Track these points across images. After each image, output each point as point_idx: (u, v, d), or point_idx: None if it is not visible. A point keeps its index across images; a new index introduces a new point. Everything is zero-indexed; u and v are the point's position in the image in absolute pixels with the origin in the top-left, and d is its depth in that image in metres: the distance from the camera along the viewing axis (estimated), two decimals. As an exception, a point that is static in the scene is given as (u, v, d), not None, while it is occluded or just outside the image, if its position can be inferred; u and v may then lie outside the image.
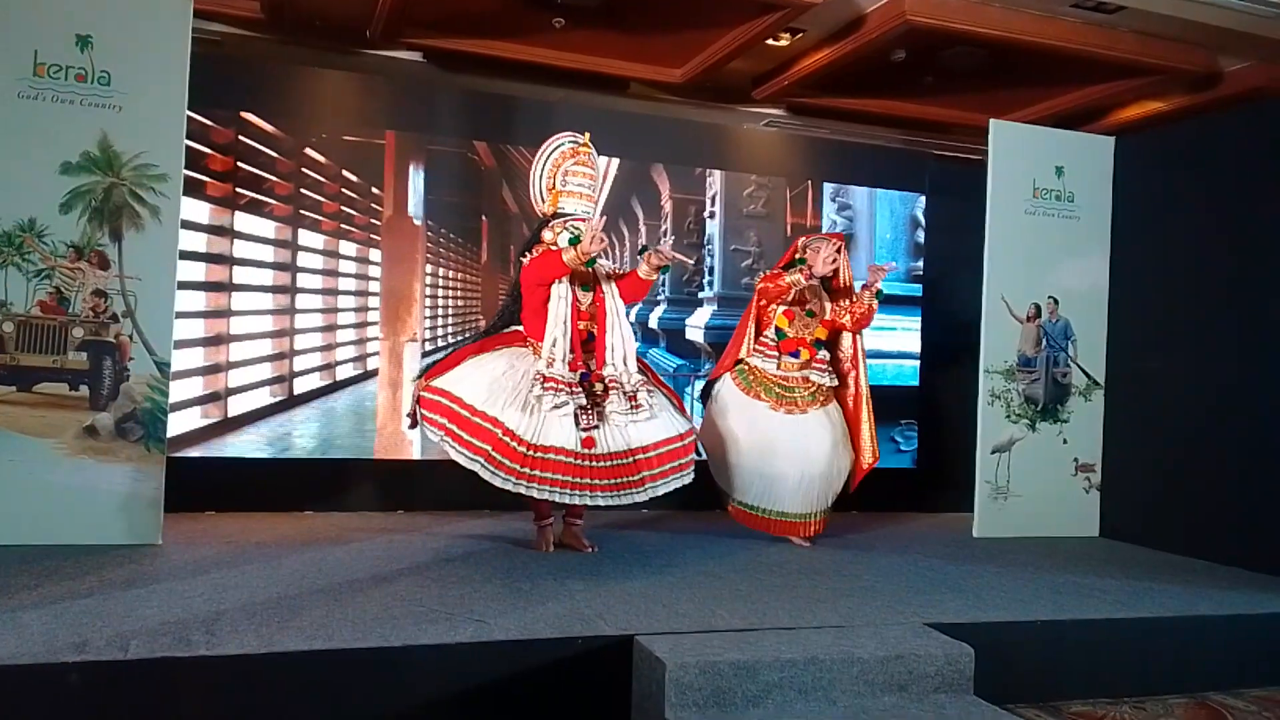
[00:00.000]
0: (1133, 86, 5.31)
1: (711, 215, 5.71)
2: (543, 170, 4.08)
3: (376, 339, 5.09)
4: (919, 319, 5.97)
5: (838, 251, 4.35)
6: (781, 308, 4.39)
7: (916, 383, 5.96)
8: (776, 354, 4.39)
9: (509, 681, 2.68)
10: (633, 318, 5.59)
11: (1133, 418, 5.01)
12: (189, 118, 3.98)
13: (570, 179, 4.01)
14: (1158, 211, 4.93)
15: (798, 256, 4.48)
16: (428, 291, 5.18)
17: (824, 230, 5.86)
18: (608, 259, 4.04)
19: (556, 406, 3.66)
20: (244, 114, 4.85)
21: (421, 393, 3.86)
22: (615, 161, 5.51)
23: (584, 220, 3.93)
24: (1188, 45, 4.90)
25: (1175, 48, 4.90)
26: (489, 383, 3.75)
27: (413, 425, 4.04)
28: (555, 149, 4.07)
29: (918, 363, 5.96)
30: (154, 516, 3.82)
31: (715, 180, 5.73)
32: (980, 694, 2.81)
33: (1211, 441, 4.54)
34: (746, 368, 4.43)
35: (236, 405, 4.84)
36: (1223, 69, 5.21)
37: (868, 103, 5.76)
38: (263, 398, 4.90)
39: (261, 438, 4.88)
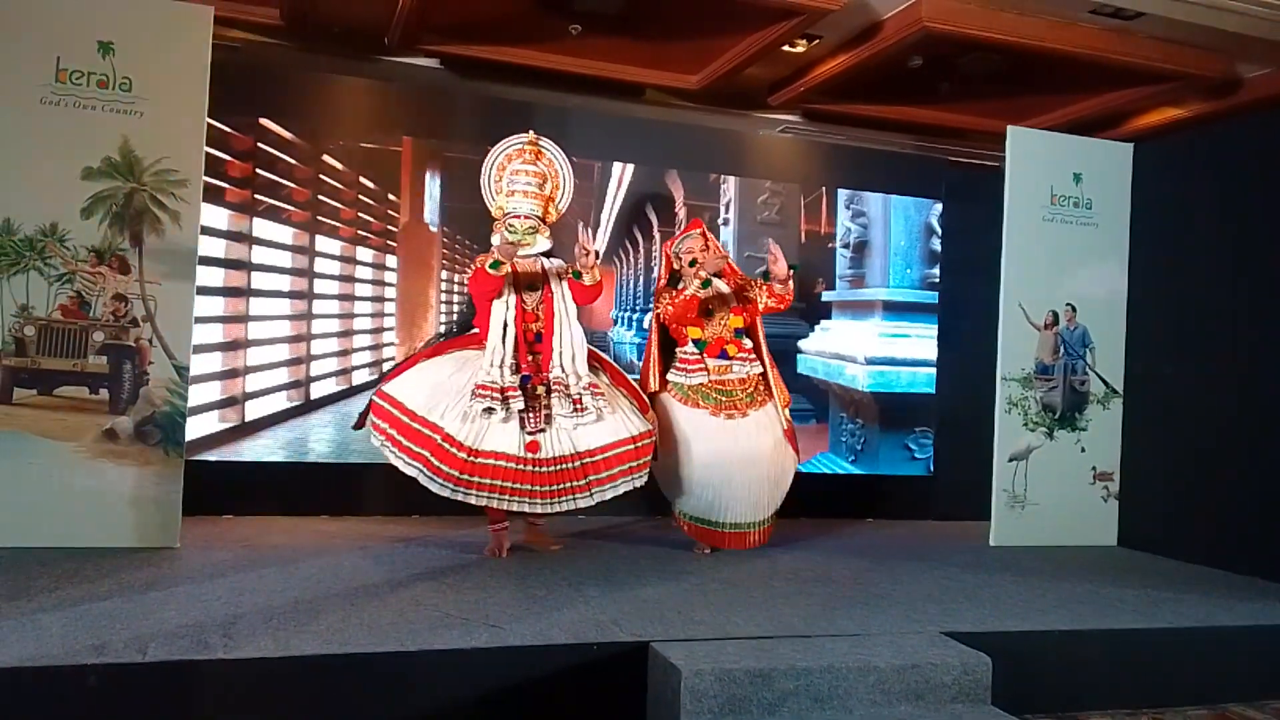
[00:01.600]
0: (1151, 93, 5.28)
1: (726, 222, 5.71)
2: (489, 175, 4.16)
3: (393, 344, 5.11)
4: (934, 326, 5.94)
5: (705, 244, 4.30)
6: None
7: (933, 390, 5.93)
8: (703, 363, 4.24)
9: (524, 687, 2.68)
10: (647, 324, 5.60)
11: (1152, 426, 4.97)
12: (209, 125, 4.01)
13: (515, 179, 4.06)
14: (1176, 218, 4.90)
15: (675, 267, 4.37)
16: (443, 297, 5.19)
17: (838, 236, 5.85)
18: (556, 259, 4.05)
19: (487, 410, 3.66)
20: (262, 121, 4.89)
21: (372, 397, 3.89)
22: (630, 167, 5.52)
23: (518, 218, 4.00)
24: (1206, 51, 4.87)
25: (1194, 54, 4.87)
26: (432, 388, 3.77)
27: (357, 426, 4.05)
28: (500, 153, 4.15)
29: (933, 370, 5.93)
30: (172, 519, 3.84)
31: (729, 187, 5.72)
32: (998, 704, 2.80)
33: (1231, 450, 4.50)
34: (683, 386, 4.25)
35: (254, 409, 4.86)
36: (1242, 75, 5.18)
37: (884, 109, 5.75)
38: (280, 402, 4.93)
39: (278, 442, 4.91)
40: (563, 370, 3.84)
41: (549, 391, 3.79)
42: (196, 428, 4.58)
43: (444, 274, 5.19)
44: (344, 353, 5.06)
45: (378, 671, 2.57)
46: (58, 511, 3.70)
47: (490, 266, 3.79)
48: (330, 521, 4.71)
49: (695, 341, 4.28)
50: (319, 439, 4.98)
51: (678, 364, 4.32)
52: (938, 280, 5.99)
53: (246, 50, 4.98)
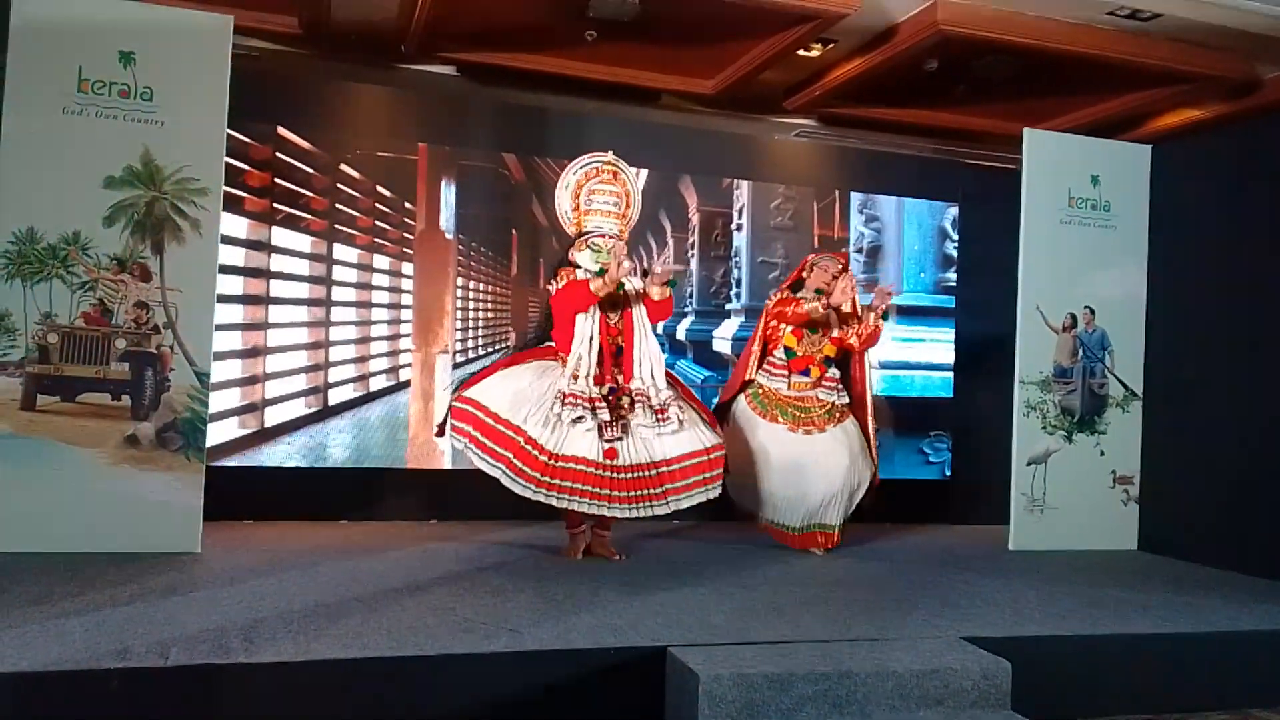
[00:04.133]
0: (1169, 94, 5.25)
1: (739, 227, 5.72)
2: (567, 192, 4.17)
3: (409, 350, 5.14)
4: (947, 330, 5.93)
5: (841, 271, 4.45)
6: (789, 327, 4.45)
7: (949, 394, 5.91)
8: (786, 373, 4.44)
9: (542, 691, 2.69)
10: (659, 330, 5.61)
11: (1172, 429, 4.93)
12: (228, 135, 4.04)
13: (595, 198, 4.10)
14: (1195, 220, 4.87)
15: (804, 275, 4.54)
16: (459, 304, 5.22)
17: (851, 240, 5.84)
18: (635, 277, 4.08)
19: (576, 420, 3.73)
20: (281, 131, 4.93)
21: (452, 402, 3.96)
22: (644, 173, 5.52)
23: (604, 237, 4.02)
24: (1225, 52, 4.84)
25: (1212, 55, 4.84)
26: (514, 393, 3.83)
27: (439, 434, 4.14)
28: (579, 170, 4.16)
29: (949, 374, 5.92)
30: (193, 524, 3.87)
31: (743, 192, 5.73)
32: (1018, 710, 2.78)
33: (1252, 452, 4.46)
34: (760, 390, 4.47)
35: (273, 415, 4.90)
36: (1261, 76, 5.14)
37: (900, 112, 5.74)
38: (298, 408, 4.97)
39: (297, 447, 4.94)
40: (643, 382, 3.90)
41: (632, 403, 3.86)
42: (217, 434, 4.61)
43: (459, 281, 5.22)
44: (361, 359, 5.10)
45: (397, 676, 2.58)
46: (80, 517, 3.74)
47: (598, 273, 3.86)
48: (349, 526, 4.74)
49: (786, 349, 4.43)
50: (337, 444, 5.01)
51: (765, 364, 4.49)
52: (951, 284, 5.97)
53: (265, 59, 5.02)
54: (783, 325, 4.45)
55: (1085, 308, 5.01)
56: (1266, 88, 5.22)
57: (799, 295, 4.45)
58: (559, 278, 4.02)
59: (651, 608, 3.22)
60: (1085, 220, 5.01)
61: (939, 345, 5.92)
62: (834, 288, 4.33)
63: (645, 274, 4.05)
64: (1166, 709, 3.15)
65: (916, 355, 5.89)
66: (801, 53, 4.98)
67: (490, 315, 5.35)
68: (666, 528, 4.87)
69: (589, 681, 2.72)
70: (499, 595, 3.32)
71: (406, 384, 5.12)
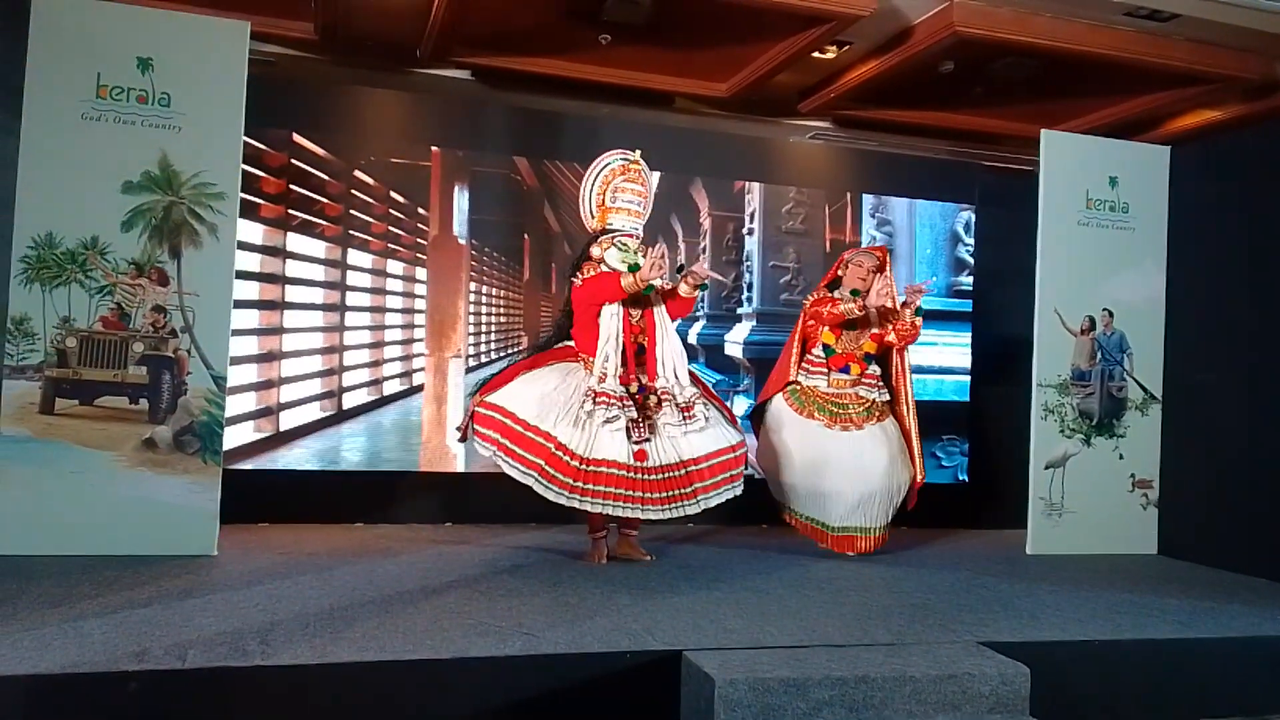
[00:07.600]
0: (1188, 95, 5.21)
1: (750, 232, 5.70)
2: (592, 187, 4.15)
3: (422, 355, 5.15)
4: (961, 334, 5.89)
5: (879, 266, 4.43)
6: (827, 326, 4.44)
7: (964, 397, 5.87)
8: (825, 370, 4.42)
9: (557, 695, 2.68)
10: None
11: (1191, 432, 4.89)
12: (244, 143, 4.06)
13: (620, 196, 4.08)
14: (1215, 222, 4.83)
15: (840, 273, 4.52)
16: (471, 309, 5.23)
17: (864, 244, 5.81)
18: (665, 275, 4.00)
19: (608, 421, 3.71)
20: (296, 138, 4.95)
21: (475, 408, 3.92)
22: (657, 176, 5.51)
23: (630, 236, 4.03)
24: (1244, 53, 4.80)
25: (1231, 56, 4.81)
26: (540, 397, 3.80)
27: (463, 439, 4.10)
28: (605, 166, 4.14)
29: (964, 377, 5.88)
30: (210, 527, 3.89)
31: (754, 197, 5.72)
32: (1036, 715, 2.75)
33: (1273, 456, 4.41)
34: (798, 388, 4.46)
35: (288, 419, 4.92)
36: (1281, 76, 5.10)
37: (916, 114, 5.71)
38: (313, 412, 4.98)
39: (312, 451, 4.96)
40: (667, 381, 3.90)
41: (659, 402, 3.85)
42: (233, 437, 4.63)
43: (472, 285, 5.23)
44: (375, 364, 5.11)
45: (413, 679, 2.58)
46: (98, 519, 3.76)
47: (631, 269, 3.81)
48: (364, 529, 4.75)
49: (825, 347, 4.43)
50: (351, 448, 5.03)
51: (805, 361, 4.49)
52: (964, 288, 5.94)
53: (281, 64, 5.05)
54: (820, 325, 4.43)
55: (1104, 310, 4.98)
56: (1286, 88, 5.18)
57: (834, 294, 4.42)
58: (584, 271, 3.99)
59: (667, 611, 3.21)
60: (1103, 222, 4.98)
61: (951, 349, 5.88)
62: (870, 286, 4.28)
63: (681, 269, 4.01)
64: (1186, 715, 3.13)
65: (929, 359, 5.86)
66: (816, 55, 4.97)
67: (503, 320, 5.35)
68: (683, 531, 4.86)
69: (604, 685, 2.71)
70: (514, 598, 3.32)
71: (420, 388, 5.13)
